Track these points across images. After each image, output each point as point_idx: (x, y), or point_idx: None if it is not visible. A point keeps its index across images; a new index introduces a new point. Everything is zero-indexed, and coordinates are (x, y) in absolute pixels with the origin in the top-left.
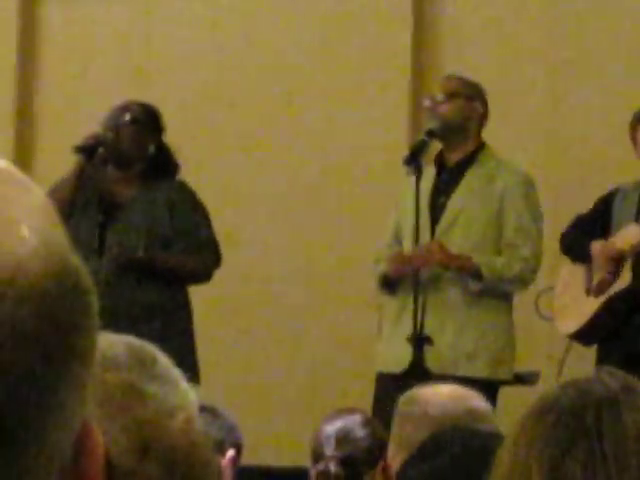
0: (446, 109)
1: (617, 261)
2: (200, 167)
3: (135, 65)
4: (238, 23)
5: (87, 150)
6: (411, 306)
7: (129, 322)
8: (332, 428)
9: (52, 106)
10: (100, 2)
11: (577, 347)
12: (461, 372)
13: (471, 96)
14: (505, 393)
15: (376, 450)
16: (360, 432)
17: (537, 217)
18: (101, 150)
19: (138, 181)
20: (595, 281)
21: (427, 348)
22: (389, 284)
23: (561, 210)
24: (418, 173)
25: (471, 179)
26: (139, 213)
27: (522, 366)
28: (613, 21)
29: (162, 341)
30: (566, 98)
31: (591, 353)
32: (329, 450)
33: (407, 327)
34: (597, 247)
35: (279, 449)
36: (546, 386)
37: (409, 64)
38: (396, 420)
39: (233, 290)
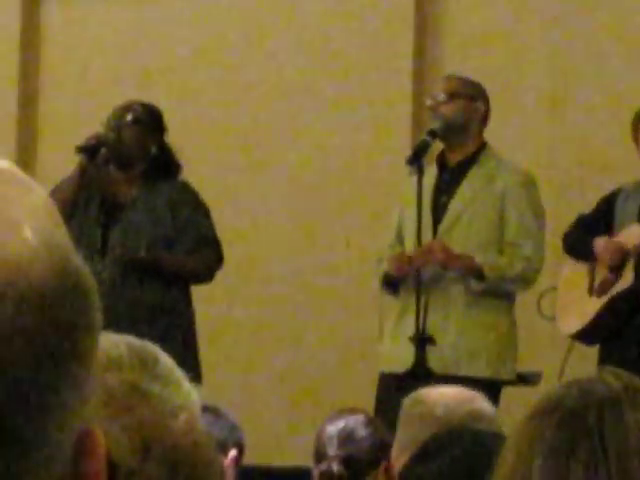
0: (448, 109)
1: (621, 254)
2: (200, 167)
3: (137, 65)
4: (239, 23)
5: (89, 150)
6: (413, 306)
7: (131, 322)
8: (334, 428)
9: (54, 107)
10: (102, 2)
11: (579, 347)
12: (463, 372)
13: (473, 96)
14: (507, 393)
15: (378, 450)
16: (362, 432)
17: (539, 217)
18: (103, 150)
19: (140, 181)
20: (598, 281)
21: (429, 348)
22: (391, 284)
23: (563, 210)
24: (420, 173)
25: (473, 179)
26: (141, 213)
27: (524, 366)
28: (615, 21)
29: (164, 341)
30: (568, 98)
31: (593, 353)
32: (331, 450)
33: (409, 327)
34: (600, 243)
35: (280, 449)
36: (548, 386)
37: (411, 64)
38: (401, 420)
39: (232, 289)
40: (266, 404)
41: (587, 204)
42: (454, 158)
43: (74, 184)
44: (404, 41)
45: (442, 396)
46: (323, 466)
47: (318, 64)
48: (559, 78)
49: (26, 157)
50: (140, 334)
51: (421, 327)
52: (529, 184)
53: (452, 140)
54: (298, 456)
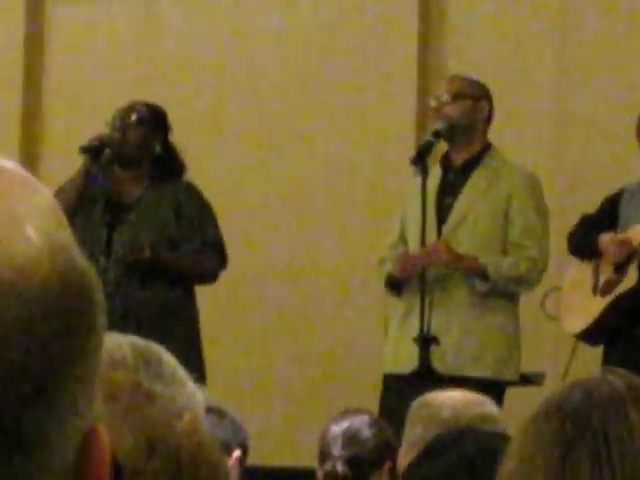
0: (452, 110)
1: (628, 250)
2: (202, 167)
3: (140, 66)
4: (239, 23)
5: (93, 151)
6: (417, 307)
7: (136, 322)
8: (339, 428)
9: (59, 106)
10: (106, 3)
11: (583, 347)
12: (467, 372)
13: (477, 96)
14: (511, 394)
15: (383, 450)
16: (367, 432)
17: (543, 217)
18: (107, 151)
19: (145, 181)
20: (602, 280)
21: (433, 348)
22: (395, 285)
23: (567, 210)
24: (424, 174)
25: (477, 180)
26: (146, 213)
27: (528, 366)
28: (618, 21)
29: (169, 341)
30: (572, 98)
31: (597, 353)
32: (336, 450)
33: (413, 328)
34: (606, 238)
35: (284, 449)
36: (552, 386)
37: (415, 65)
38: (409, 422)
39: (236, 290)
40: (270, 404)
41: (592, 204)
42: (458, 159)
43: (79, 184)
44: (408, 41)
45: (450, 399)
46: (327, 466)
47: (322, 63)
48: (564, 78)
49: (31, 157)
50: (145, 334)
51: (425, 328)
52: (534, 184)
53: (456, 141)
54: (302, 456)
